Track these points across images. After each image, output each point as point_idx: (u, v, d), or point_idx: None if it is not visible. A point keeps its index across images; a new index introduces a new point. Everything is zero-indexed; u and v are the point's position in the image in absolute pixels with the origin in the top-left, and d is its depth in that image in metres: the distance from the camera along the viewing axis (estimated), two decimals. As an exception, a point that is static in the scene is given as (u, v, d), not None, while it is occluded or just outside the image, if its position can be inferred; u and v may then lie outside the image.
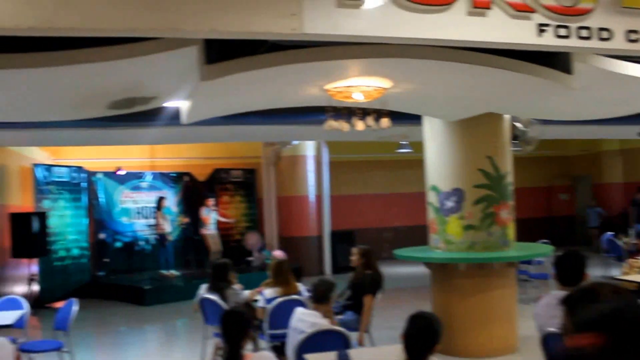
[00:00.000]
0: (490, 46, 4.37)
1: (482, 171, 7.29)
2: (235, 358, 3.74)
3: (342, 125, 5.90)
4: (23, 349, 6.77)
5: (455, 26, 4.06)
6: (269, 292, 6.83)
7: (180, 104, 6.44)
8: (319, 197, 16.34)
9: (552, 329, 4.08)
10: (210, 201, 14.87)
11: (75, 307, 7.13)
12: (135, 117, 6.88)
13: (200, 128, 7.78)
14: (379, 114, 5.91)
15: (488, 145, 7.38)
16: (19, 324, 7.01)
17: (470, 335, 7.17)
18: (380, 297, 7.33)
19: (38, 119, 7.12)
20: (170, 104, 6.52)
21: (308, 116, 7.63)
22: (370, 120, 5.86)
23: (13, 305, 7.51)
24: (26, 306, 7.44)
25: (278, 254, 12.81)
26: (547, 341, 4.22)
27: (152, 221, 14.69)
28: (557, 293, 4.19)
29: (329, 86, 5.26)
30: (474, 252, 7.27)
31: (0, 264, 11.46)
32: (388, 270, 8.24)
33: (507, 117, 7.59)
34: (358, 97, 5.31)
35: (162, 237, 13.91)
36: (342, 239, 15.86)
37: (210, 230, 14.60)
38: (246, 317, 3.95)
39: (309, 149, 16.28)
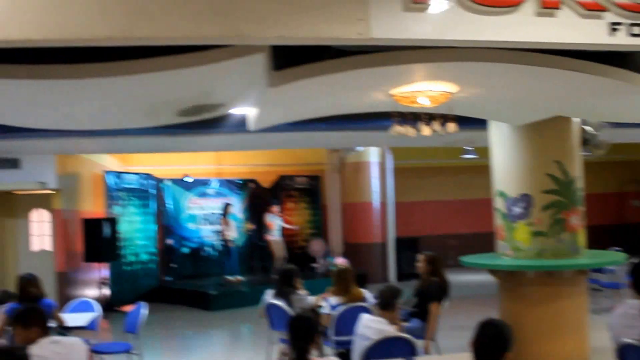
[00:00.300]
0: (559, 47, 4.26)
1: (551, 176, 7.11)
2: (302, 363, 3.75)
3: (408, 130, 5.85)
4: (95, 350, 6.98)
5: (523, 27, 3.98)
6: (333, 299, 6.84)
7: (247, 111, 6.52)
8: (383, 204, 16.28)
9: (628, 340, 3.94)
10: (275, 208, 14.99)
11: (144, 311, 7.30)
12: (203, 124, 7.00)
13: (266, 135, 7.85)
14: (445, 118, 5.85)
15: (557, 150, 7.20)
16: (91, 326, 7.23)
17: (539, 345, 6.99)
18: (447, 304, 7.24)
19: (111, 127, 7.32)
20: (237, 110, 6.60)
21: (373, 122, 7.61)
22: (436, 125, 5.80)
23: (85, 307, 7.76)
24: (98, 309, 7.66)
25: (341, 261, 12.83)
26: (623, 352, 4.08)
27: (218, 227, 14.94)
28: (633, 302, 4.05)
29: (394, 91, 5.22)
30: (543, 259, 7.09)
31: (74, 267, 11.82)
32: (453, 277, 8.13)
33: (576, 120, 7.39)
34: (424, 102, 5.26)
35: (227, 243, 14.10)
36: (407, 245, 15.73)
37: (275, 236, 14.71)
38: (314, 323, 3.96)
39: (373, 155, 16.26)
